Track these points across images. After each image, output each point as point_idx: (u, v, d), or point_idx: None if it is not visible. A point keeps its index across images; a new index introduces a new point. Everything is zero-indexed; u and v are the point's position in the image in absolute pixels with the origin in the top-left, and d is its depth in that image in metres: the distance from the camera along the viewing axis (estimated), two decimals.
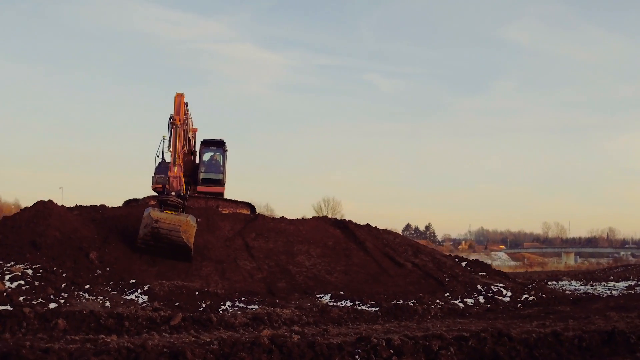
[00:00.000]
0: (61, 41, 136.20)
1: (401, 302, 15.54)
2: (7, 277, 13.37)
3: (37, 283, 13.56)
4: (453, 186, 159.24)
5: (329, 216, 76.58)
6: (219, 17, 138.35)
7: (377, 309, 14.24)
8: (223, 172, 22.29)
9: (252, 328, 11.29)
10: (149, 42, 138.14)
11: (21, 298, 12.42)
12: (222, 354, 6.95)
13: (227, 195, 22.98)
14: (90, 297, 13.81)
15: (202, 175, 22.05)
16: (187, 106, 18.96)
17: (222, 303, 14.44)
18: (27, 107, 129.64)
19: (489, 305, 16.86)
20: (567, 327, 10.70)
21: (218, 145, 22.57)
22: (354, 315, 13.27)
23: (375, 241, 20.96)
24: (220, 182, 22.19)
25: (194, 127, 21.01)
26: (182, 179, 17.33)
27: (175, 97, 17.36)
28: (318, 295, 16.37)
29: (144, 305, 13.52)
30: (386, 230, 23.46)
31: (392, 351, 7.35)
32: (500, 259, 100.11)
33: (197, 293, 14.61)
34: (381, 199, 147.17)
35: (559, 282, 27.51)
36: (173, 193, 16.94)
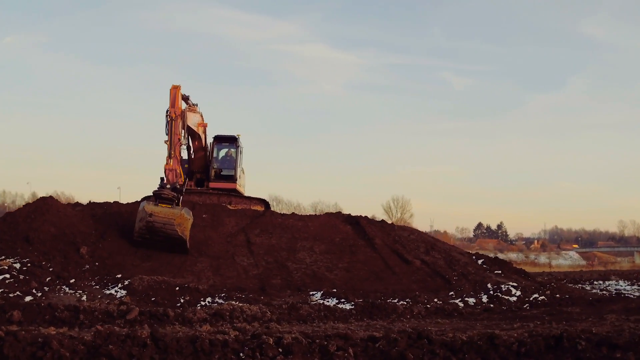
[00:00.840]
0: (137, 44, 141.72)
1: (380, 300, 14.84)
2: None
3: (22, 277, 13.85)
4: (527, 184, 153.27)
5: (399, 215, 75.96)
6: (292, 18, 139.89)
7: (353, 307, 13.57)
8: (235, 168, 22.09)
9: (210, 324, 10.95)
10: (222, 44, 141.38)
11: (0, 290, 12.73)
12: (93, 346, 6.64)
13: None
14: (71, 291, 13.95)
15: (214, 172, 21.97)
16: (189, 100, 18.91)
17: (202, 299, 14.22)
18: (99, 108, 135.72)
19: (491, 305, 15.81)
20: (551, 330, 9.77)
21: (230, 141, 22.41)
22: (325, 313, 12.68)
23: (386, 238, 20.16)
24: (233, 178, 21.99)
25: (204, 122, 20.97)
26: (179, 171, 17.27)
27: (170, 89, 17.34)
28: (311, 293, 15.86)
29: (121, 299, 13.53)
30: (402, 226, 22.61)
31: (280, 350, 6.79)
32: (571, 258, 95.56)
33: (177, 288, 14.44)
34: (452, 197, 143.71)
35: (605, 282, 25.63)
36: (168, 186, 16.94)
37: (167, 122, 17.27)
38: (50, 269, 14.60)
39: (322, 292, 15.73)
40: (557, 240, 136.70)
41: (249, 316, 12.02)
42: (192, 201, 21.10)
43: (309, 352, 6.89)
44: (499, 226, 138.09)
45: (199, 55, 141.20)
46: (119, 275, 15.04)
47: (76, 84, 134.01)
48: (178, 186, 17.21)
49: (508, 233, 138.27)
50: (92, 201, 20.19)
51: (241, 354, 6.70)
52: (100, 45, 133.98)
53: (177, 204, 16.92)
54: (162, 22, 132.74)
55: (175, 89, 17.30)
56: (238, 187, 22.21)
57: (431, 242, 20.60)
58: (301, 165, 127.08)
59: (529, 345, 7.89)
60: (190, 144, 21.56)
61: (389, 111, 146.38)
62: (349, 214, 21.98)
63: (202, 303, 13.94)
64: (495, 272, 18.96)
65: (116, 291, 14.05)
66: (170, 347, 6.69)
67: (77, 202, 19.75)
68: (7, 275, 13.67)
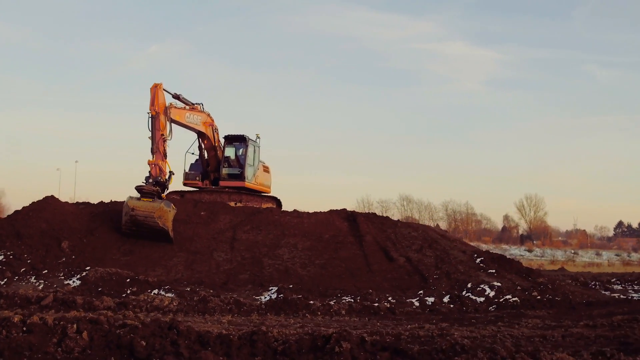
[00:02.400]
0: (278, 48, 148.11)
1: (299, 296, 14.49)
2: None
3: (1, 267, 15.50)
4: None
5: (533, 214, 73.04)
6: (430, 16, 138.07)
7: (265, 301, 13.45)
8: (243, 167, 22.56)
9: (112, 311, 11.44)
10: (360, 45, 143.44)
11: None
12: None
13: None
14: (36, 281, 15.28)
15: (224, 170, 22.60)
16: (181, 97, 19.63)
17: (149, 290, 14.80)
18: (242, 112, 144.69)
19: (451, 306, 14.85)
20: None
21: (240, 140, 22.92)
22: (231, 307, 12.74)
23: (379, 234, 19.49)
24: (241, 177, 22.47)
25: (211, 121, 21.74)
26: (162, 166, 18.04)
27: (150, 88, 18.21)
28: (270, 288, 15.89)
29: (72, 288, 14.58)
30: (406, 223, 21.66)
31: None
32: None
33: (127, 280, 15.20)
34: (590, 195, 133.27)
35: None
36: (151, 180, 17.90)
37: (149, 118, 18.19)
38: (29, 261, 16.07)
39: (277, 287, 15.67)
40: None
41: (153, 306, 12.44)
42: (203, 200, 22.04)
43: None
44: None
45: (339, 57, 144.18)
46: (88, 268, 16.14)
47: (219, 89, 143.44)
48: (161, 180, 18.09)
49: None
50: (102, 201, 21.48)
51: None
52: (242, 50, 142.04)
53: (159, 197, 17.86)
54: (301, 26, 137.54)
55: (155, 87, 18.14)
56: (248, 185, 22.65)
57: (432, 240, 19.54)
58: (433, 164, 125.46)
59: (292, 344, 7.50)
60: (201, 143, 22.51)
61: (529, 107, 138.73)
62: (353, 211, 21.56)
63: (148, 294, 14.50)
64: (489, 271, 17.62)
65: (73, 282, 15.12)
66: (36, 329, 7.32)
67: (86, 201, 21.31)
68: None
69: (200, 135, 21.91)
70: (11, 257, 16.00)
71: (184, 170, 22.96)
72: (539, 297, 15.44)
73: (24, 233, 17.22)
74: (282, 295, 14.55)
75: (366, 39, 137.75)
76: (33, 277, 15.43)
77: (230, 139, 22.94)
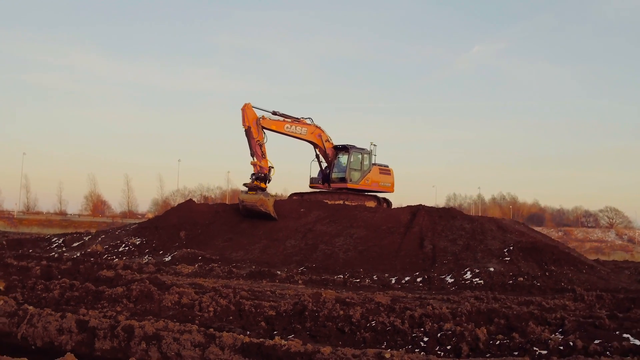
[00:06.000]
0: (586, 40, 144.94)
1: (268, 269, 17.97)
2: (122, 245, 23.16)
3: (133, 249, 22.88)
4: None
5: None
6: None
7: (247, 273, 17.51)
8: (346, 171, 26.44)
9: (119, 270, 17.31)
10: None
11: (107, 255, 22.00)
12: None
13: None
14: (149, 257, 22.03)
15: (332, 174, 26.87)
16: (277, 113, 24.73)
17: (212, 264, 20.25)
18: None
19: (421, 284, 16.70)
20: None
21: (344, 149, 26.91)
22: (226, 274, 17.26)
23: (428, 226, 21.32)
24: (344, 179, 26.43)
25: (320, 132, 26.47)
26: (261, 164, 23.47)
27: (241, 108, 23.78)
28: (300, 268, 19.77)
29: (148, 262, 20.88)
30: (470, 216, 22.48)
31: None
32: None
33: (199, 257, 20.86)
34: None
35: None
36: (254, 176, 23.63)
37: (245, 132, 23.85)
38: (153, 245, 23.14)
39: (304, 267, 19.49)
40: None
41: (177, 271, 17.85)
42: (310, 199, 26.76)
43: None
44: None
45: None
46: (188, 249, 22.36)
47: (539, 87, 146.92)
48: (261, 175, 23.62)
49: None
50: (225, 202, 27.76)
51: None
52: (548, 47, 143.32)
53: (261, 190, 23.54)
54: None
55: (244, 106, 23.69)
56: (350, 186, 26.51)
57: (478, 232, 20.55)
58: None
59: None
60: (317, 152, 27.34)
61: None
62: (420, 205, 23.54)
63: (214, 265, 19.91)
64: (505, 259, 18.31)
65: (167, 258, 21.47)
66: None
67: (219, 202, 27.87)
68: (127, 248, 22.88)
69: (314, 145, 26.80)
70: (145, 242, 23.29)
71: (310, 175, 28.11)
72: (526, 282, 16.06)
73: (160, 225, 24.52)
74: (298, 270, 18.47)
75: None
76: (144, 255, 22.20)
77: (338, 149, 27.15)
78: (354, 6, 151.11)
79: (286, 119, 25.27)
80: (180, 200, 73.09)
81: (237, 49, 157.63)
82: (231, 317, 8.82)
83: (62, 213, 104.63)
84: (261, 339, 6.96)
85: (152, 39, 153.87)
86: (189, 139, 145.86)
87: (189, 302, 9.32)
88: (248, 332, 8.04)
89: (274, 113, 24.81)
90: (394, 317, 8.27)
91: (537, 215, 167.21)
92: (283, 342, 6.81)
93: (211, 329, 7.42)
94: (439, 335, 7.62)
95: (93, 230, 32.24)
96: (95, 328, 7.73)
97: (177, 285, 11.42)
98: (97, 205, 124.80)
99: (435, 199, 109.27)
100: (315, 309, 8.67)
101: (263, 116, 24.25)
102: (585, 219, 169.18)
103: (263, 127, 24.05)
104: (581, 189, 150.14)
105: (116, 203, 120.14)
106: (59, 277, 12.33)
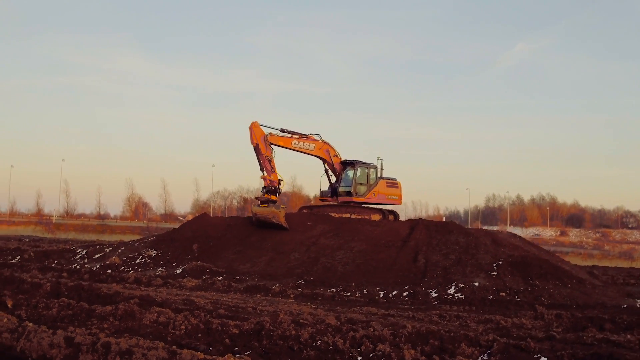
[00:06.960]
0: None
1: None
2: (139, 257, 24.75)
3: (149, 261, 24.41)
4: None
5: None
6: None
7: (243, 286, 18.73)
8: (352, 186, 27.53)
9: (117, 288, 18.84)
10: None
11: (123, 267, 23.60)
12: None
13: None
14: (162, 269, 23.53)
15: (340, 188, 28.01)
16: (285, 131, 26.04)
17: (217, 277, 21.61)
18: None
19: (406, 299, 17.69)
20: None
21: (351, 164, 28.02)
22: (224, 288, 18.56)
23: (424, 240, 22.25)
24: (350, 194, 27.53)
25: (327, 147, 27.67)
26: (271, 178, 24.90)
27: (248, 127, 25.17)
28: (299, 281, 20.95)
29: (159, 274, 22.34)
30: (466, 230, 23.19)
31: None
32: None
33: (207, 270, 22.25)
34: None
35: None
36: (264, 189, 25.06)
37: (253, 149, 25.24)
38: (167, 257, 24.63)
39: (303, 280, 20.70)
40: None
41: (181, 285, 19.24)
42: (317, 212, 27.94)
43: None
44: None
45: None
46: (198, 262, 23.79)
47: (581, 85, 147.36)
48: (271, 188, 25.02)
49: None
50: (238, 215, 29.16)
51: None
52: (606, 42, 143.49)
53: (272, 202, 24.96)
54: None
55: (251, 126, 25.04)
56: (356, 199, 27.60)
57: (472, 246, 21.39)
58: None
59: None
60: (325, 166, 28.52)
61: None
62: (419, 219, 24.43)
63: (217, 279, 21.32)
64: (492, 273, 19.13)
65: (178, 270, 22.92)
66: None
67: (230, 216, 29.29)
68: (143, 260, 24.44)
69: (322, 160, 28.03)
70: (160, 254, 24.81)
71: (319, 189, 29.37)
72: (507, 297, 16.93)
73: (176, 238, 26.04)
74: (296, 283, 19.67)
75: None
76: (157, 267, 23.69)
77: (345, 164, 28.28)
78: (393, 6, 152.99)
79: (294, 136, 26.53)
80: (220, 201, 75.28)
81: (278, 50, 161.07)
82: (200, 335, 10.06)
83: (101, 216, 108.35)
84: (214, 356, 8.19)
85: (192, 41, 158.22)
86: (227, 140, 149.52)
87: (165, 321, 10.61)
88: (210, 349, 9.27)
89: (282, 130, 26.11)
90: (338, 337, 9.39)
91: (577, 215, 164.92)
92: (233, 358, 8.04)
93: (174, 347, 8.67)
94: (371, 355, 8.71)
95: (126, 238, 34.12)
96: (80, 344, 9.06)
97: (168, 302, 12.76)
98: (138, 207, 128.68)
99: (468, 201, 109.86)
100: (271, 328, 9.86)
101: (271, 133, 25.57)
102: (626, 220, 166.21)
103: (271, 144, 25.38)
104: (624, 189, 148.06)
105: (155, 205, 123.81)
106: (66, 293, 13.80)
